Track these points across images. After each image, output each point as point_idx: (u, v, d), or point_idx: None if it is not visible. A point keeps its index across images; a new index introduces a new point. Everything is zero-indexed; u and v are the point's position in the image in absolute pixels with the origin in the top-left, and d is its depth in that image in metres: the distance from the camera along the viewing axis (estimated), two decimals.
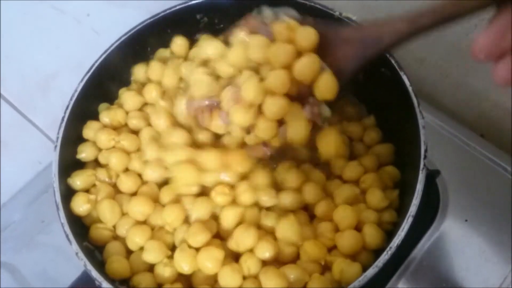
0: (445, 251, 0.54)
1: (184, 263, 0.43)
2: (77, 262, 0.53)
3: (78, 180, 0.49)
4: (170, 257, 0.45)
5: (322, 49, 0.42)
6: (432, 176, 0.57)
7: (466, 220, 0.56)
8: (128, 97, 0.54)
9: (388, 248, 0.38)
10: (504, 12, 0.25)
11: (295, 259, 0.44)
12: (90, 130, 0.52)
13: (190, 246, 0.44)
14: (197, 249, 0.44)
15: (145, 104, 0.55)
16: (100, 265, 0.44)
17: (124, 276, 0.44)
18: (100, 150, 0.52)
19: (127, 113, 0.54)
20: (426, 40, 0.67)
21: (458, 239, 0.55)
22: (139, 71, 0.57)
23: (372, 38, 0.39)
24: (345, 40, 0.41)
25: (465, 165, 0.60)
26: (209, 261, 0.43)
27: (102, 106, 0.55)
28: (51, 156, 0.65)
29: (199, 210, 0.46)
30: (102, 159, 0.51)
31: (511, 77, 0.25)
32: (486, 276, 0.53)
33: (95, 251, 0.46)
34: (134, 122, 0.53)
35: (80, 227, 0.47)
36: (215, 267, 0.43)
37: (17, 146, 0.64)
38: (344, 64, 0.41)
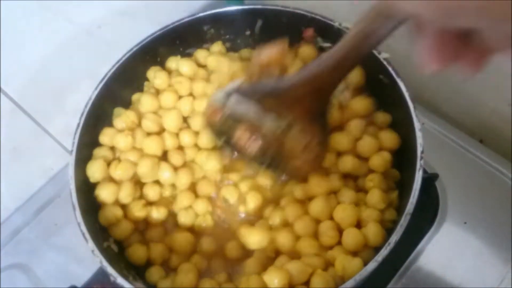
0: (444, 252, 0.56)
1: None
2: (89, 264, 0.56)
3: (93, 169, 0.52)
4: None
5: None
6: (431, 179, 0.58)
7: (465, 223, 0.58)
8: (145, 100, 0.56)
9: (387, 244, 0.40)
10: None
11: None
12: (105, 136, 0.55)
13: None
14: None
15: (160, 108, 0.57)
16: (115, 260, 0.46)
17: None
18: (114, 152, 0.55)
19: (140, 115, 0.56)
20: None
21: (457, 241, 0.57)
22: (152, 75, 0.59)
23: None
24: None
25: (464, 170, 0.62)
26: None
27: (117, 110, 0.57)
28: (64, 162, 0.67)
29: None
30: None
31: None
32: (485, 277, 0.54)
33: (109, 247, 0.48)
34: (148, 124, 0.55)
35: (95, 226, 0.49)
36: None
37: (31, 153, 0.67)
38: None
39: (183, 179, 0.53)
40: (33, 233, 0.65)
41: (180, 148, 0.56)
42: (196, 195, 0.54)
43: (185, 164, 0.55)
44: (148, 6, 0.65)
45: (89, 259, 0.44)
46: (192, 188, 0.54)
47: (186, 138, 0.55)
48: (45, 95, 0.64)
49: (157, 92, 0.58)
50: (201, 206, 0.53)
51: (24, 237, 0.64)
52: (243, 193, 0.52)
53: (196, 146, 0.56)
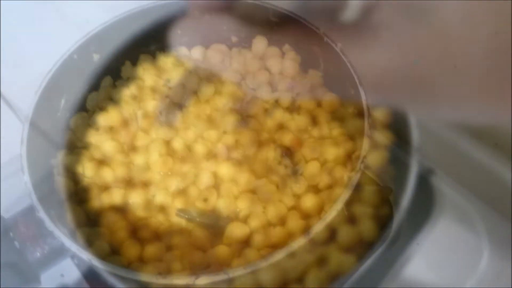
0: (441, 250, 0.55)
1: None
2: (80, 261, 0.55)
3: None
4: None
5: None
6: (427, 175, 0.58)
7: (461, 220, 0.57)
8: (135, 99, 0.56)
9: (381, 240, 0.40)
10: None
11: None
12: (95, 136, 0.55)
13: None
14: None
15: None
16: (107, 258, 0.46)
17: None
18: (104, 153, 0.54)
19: (131, 114, 0.56)
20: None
21: (454, 238, 0.56)
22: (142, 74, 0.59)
23: None
24: None
25: (461, 166, 0.62)
26: None
27: (107, 109, 0.57)
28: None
29: None
30: None
31: None
32: (482, 275, 0.54)
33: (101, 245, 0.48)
34: (138, 123, 0.55)
35: (86, 224, 0.49)
36: None
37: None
38: None
39: (176, 180, 0.53)
40: (29, 232, 0.64)
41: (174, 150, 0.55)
42: (189, 197, 0.53)
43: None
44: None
45: (80, 257, 0.44)
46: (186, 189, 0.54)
47: (178, 141, 0.55)
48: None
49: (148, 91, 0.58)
50: (194, 207, 0.52)
51: (14, 236, 0.64)
52: (235, 197, 0.51)
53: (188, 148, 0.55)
